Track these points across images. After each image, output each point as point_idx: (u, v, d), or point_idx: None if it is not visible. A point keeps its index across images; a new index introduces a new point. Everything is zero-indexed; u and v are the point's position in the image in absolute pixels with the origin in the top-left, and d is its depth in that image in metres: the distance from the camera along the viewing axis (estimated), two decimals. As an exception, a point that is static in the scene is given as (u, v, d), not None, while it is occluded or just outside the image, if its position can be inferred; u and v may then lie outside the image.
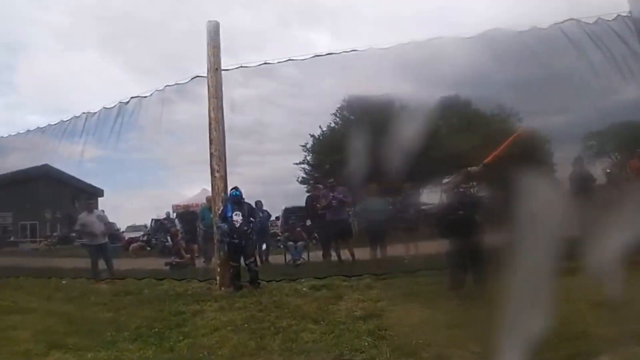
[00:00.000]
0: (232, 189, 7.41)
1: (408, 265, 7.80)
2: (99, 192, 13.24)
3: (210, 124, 7.56)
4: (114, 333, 4.86)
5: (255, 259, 7.83)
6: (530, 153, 7.28)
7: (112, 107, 9.62)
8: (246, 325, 4.95)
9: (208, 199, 8.89)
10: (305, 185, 15.38)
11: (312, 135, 15.26)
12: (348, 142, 8.67)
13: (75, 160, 10.85)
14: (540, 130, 7.95)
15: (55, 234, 16.52)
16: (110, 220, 10.16)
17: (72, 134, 10.48)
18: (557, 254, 3.64)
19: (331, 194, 8.72)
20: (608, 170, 8.56)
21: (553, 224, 3.83)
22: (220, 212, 7.35)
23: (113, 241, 11.36)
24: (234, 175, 7.73)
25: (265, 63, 8.05)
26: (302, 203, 10.48)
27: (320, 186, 9.83)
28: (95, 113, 9.94)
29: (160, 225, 14.59)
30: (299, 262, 9.24)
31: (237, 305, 5.98)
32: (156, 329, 4.94)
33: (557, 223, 3.90)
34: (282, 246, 10.22)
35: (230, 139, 7.71)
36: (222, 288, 7.20)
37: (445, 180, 6.07)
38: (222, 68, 7.73)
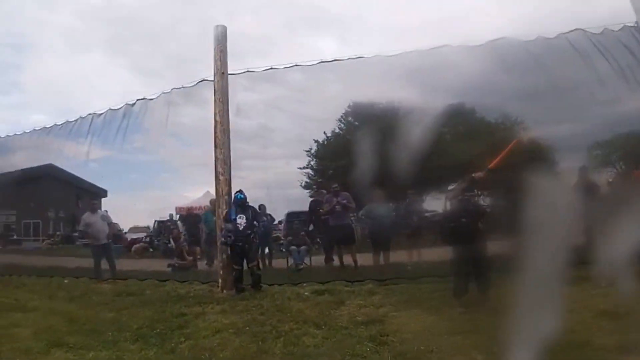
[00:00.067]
0: (236, 192, 7.43)
1: (411, 271, 7.77)
2: (102, 193, 13.31)
3: (215, 127, 7.59)
4: (116, 333, 4.86)
5: (258, 263, 7.83)
6: (532, 158, 7.26)
7: (119, 109, 9.70)
8: (248, 328, 4.94)
9: (212, 202, 8.92)
10: (308, 190, 15.43)
11: (317, 141, 15.33)
12: (352, 148, 8.68)
13: (80, 161, 10.94)
14: (542, 137, 7.93)
15: (58, 233, 16.60)
16: (114, 220, 10.18)
17: (77, 135, 10.55)
18: (561, 261, 3.63)
19: (335, 199, 8.72)
20: (610, 180, 8.54)
21: (557, 231, 3.83)
22: (224, 214, 7.36)
23: (116, 242, 11.39)
24: (237, 179, 7.75)
25: (271, 68, 8.09)
26: (305, 208, 10.51)
27: (324, 191, 9.81)
28: (101, 114, 10.01)
29: (163, 227, 14.63)
30: (301, 266, 9.22)
31: (239, 308, 5.98)
32: (158, 330, 4.94)
33: (561, 230, 3.90)
34: (284, 250, 10.21)
35: (235, 142, 7.73)
36: (224, 291, 7.19)
37: (450, 188, 6.07)
38: (229, 72, 7.76)
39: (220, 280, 7.38)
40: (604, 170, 8.88)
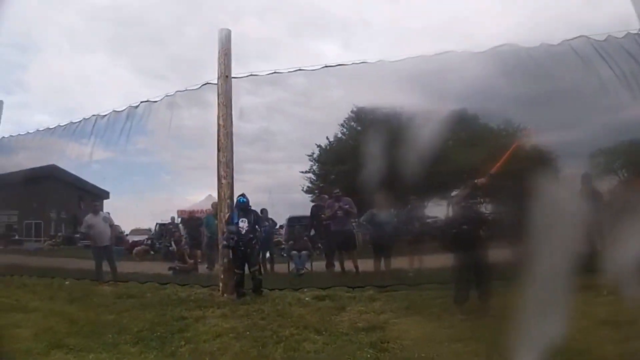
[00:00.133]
0: (239, 196, 7.43)
1: (412, 278, 7.74)
2: (104, 194, 13.32)
3: (218, 130, 7.61)
4: (116, 335, 4.86)
5: (260, 267, 7.81)
6: (534, 164, 7.24)
7: (122, 111, 9.74)
8: (248, 332, 4.93)
9: (214, 206, 8.92)
10: (310, 195, 15.37)
11: (319, 145, 15.29)
12: (355, 153, 8.67)
13: (83, 162, 10.98)
14: (543, 142, 7.91)
15: (59, 234, 16.59)
16: (115, 222, 10.19)
17: (80, 136, 10.60)
18: (563, 269, 3.62)
19: (336, 205, 8.70)
20: (612, 188, 8.49)
21: (559, 238, 3.82)
22: (226, 217, 7.36)
23: (117, 244, 11.38)
24: (239, 183, 7.76)
25: (275, 72, 8.12)
26: (307, 212, 10.48)
27: (326, 196, 9.79)
28: (105, 115, 10.05)
29: (164, 230, 14.61)
30: (303, 271, 9.18)
31: (240, 312, 5.97)
32: (158, 333, 4.94)
33: (563, 237, 3.88)
34: (285, 255, 10.19)
35: (237, 146, 7.75)
36: (225, 295, 7.17)
37: (453, 194, 6.07)
38: (232, 75, 7.79)
39: (221, 284, 7.36)
40: (606, 178, 8.82)
